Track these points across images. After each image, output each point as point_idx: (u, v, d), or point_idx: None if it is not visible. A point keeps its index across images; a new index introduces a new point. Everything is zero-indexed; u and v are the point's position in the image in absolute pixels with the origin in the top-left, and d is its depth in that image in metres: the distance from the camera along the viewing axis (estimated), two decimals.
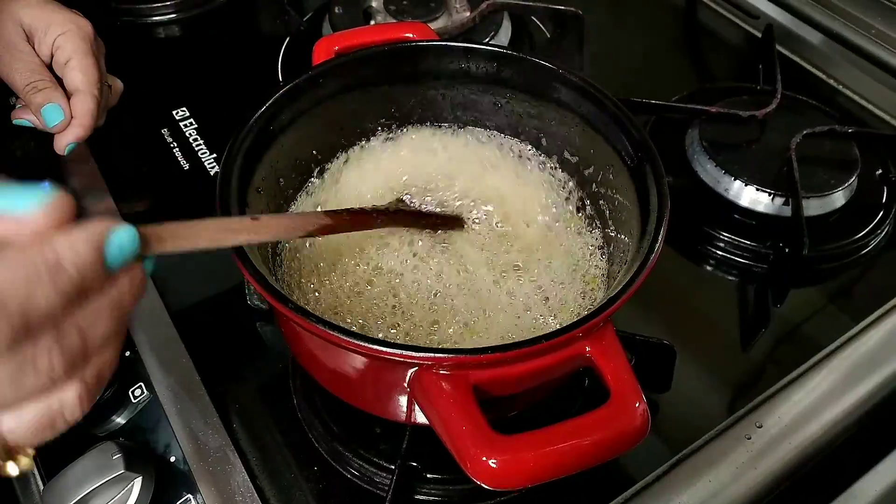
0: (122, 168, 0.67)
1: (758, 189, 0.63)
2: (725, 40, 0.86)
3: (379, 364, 0.36)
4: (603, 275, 0.49)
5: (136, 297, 0.28)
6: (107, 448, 0.47)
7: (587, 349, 0.35)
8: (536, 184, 0.54)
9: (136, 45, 0.82)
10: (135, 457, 0.47)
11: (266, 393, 0.53)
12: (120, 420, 0.52)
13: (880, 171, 0.67)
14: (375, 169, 0.54)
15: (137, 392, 0.53)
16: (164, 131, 0.71)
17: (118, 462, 0.46)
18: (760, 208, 0.63)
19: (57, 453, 0.50)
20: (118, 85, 0.61)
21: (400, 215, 0.50)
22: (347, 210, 0.46)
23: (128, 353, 0.54)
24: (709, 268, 0.63)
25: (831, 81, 0.79)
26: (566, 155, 0.51)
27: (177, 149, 0.69)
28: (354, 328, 0.45)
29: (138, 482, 0.46)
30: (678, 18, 0.91)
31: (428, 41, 0.52)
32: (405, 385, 0.36)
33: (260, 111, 0.45)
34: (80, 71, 0.54)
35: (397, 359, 0.33)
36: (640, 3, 0.92)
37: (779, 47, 0.77)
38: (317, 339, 0.35)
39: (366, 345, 0.33)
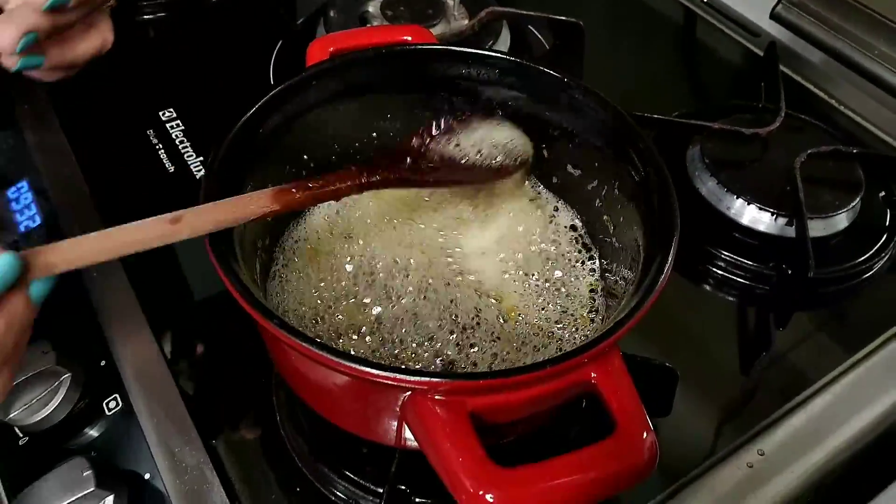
0: (104, 168, 0.65)
1: (760, 208, 0.61)
2: (725, 57, 0.85)
3: (369, 387, 0.34)
4: (601, 296, 0.47)
5: (15, 325, 0.26)
6: (77, 464, 0.44)
7: (592, 375, 0.33)
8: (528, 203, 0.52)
9: (123, 43, 0.79)
10: (107, 473, 0.44)
11: (248, 408, 0.51)
12: (92, 433, 0.49)
13: (884, 194, 0.66)
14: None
15: (112, 404, 0.50)
16: (150, 132, 0.68)
17: (89, 479, 0.43)
18: (762, 228, 0.62)
19: (24, 468, 0.47)
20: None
21: (392, 171, 0.43)
22: (314, 178, 0.40)
23: (103, 363, 0.52)
24: (708, 287, 0.61)
25: (832, 101, 0.78)
26: (569, 168, 0.50)
27: (162, 151, 0.67)
28: (342, 341, 0.43)
29: (110, 500, 0.43)
30: (677, 34, 0.90)
31: (429, 45, 0.50)
32: (396, 409, 0.34)
33: (248, 113, 0.43)
34: None
35: (389, 382, 0.31)
36: (639, 18, 0.90)
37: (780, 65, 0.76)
38: (304, 358, 0.33)
39: (356, 366, 0.31)
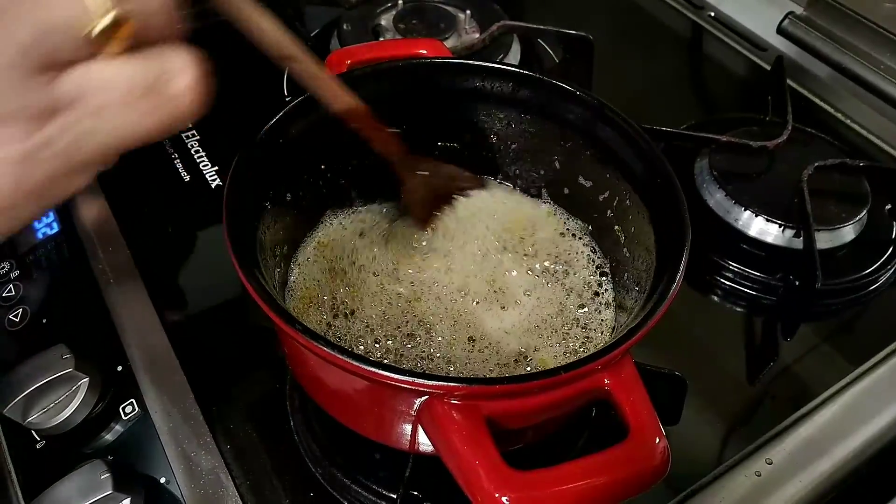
0: (121, 177, 0.65)
1: (767, 220, 0.62)
2: (732, 71, 0.86)
3: (387, 391, 0.35)
4: (610, 306, 0.48)
5: None
6: (95, 467, 0.45)
7: (606, 382, 0.34)
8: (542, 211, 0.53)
9: None
10: (124, 476, 0.45)
11: (262, 413, 0.51)
12: (109, 437, 0.50)
13: (890, 206, 0.67)
14: None
15: (128, 409, 0.51)
16: (166, 142, 0.69)
17: (106, 482, 0.44)
18: (769, 239, 0.62)
19: (42, 471, 0.48)
20: None
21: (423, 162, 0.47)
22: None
23: (119, 368, 0.53)
24: (716, 298, 0.62)
25: (839, 115, 0.79)
26: (580, 179, 0.50)
27: (178, 160, 0.68)
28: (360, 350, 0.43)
29: (126, 503, 0.44)
30: (685, 48, 0.91)
31: (444, 58, 0.51)
32: (412, 413, 0.35)
33: (271, 122, 0.44)
34: None
35: (408, 386, 0.32)
36: (647, 31, 0.92)
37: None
38: (323, 362, 0.33)
39: (376, 371, 0.32)
